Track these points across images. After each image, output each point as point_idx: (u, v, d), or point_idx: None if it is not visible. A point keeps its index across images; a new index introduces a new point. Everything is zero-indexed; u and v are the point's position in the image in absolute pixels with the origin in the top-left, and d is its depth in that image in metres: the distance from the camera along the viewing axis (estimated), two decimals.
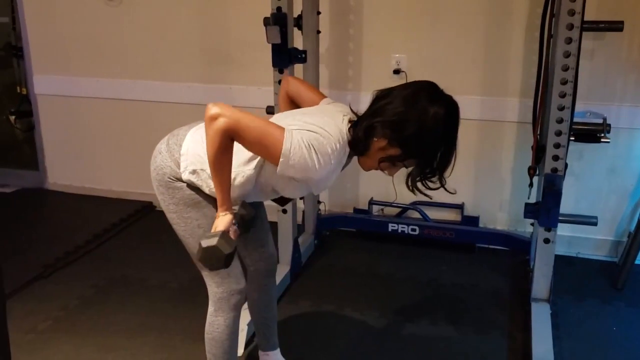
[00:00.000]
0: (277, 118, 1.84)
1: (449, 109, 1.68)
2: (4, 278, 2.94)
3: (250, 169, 1.76)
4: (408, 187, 1.76)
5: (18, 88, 4.31)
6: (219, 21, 3.66)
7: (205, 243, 1.64)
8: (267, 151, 1.66)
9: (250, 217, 1.86)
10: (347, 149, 1.76)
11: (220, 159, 1.65)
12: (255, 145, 1.66)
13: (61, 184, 4.36)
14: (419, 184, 1.75)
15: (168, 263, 3.19)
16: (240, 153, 1.72)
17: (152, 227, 3.75)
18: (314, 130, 1.68)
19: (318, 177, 1.69)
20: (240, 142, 1.65)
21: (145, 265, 3.27)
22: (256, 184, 1.80)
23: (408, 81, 1.82)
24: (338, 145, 1.70)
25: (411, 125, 1.65)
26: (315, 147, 1.65)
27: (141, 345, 2.57)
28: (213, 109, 1.61)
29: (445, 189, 1.78)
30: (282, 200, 2.00)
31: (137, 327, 2.70)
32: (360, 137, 1.72)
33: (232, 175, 1.73)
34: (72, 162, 4.29)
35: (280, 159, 1.63)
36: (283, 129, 1.65)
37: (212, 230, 1.71)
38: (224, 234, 1.67)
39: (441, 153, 1.70)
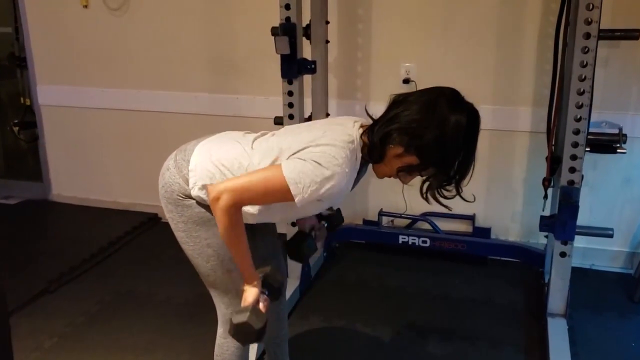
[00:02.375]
0: (281, 135, 1.79)
1: (471, 117, 1.60)
2: (8, 293, 2.90)
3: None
4: (422, 195, 1.69)
5: (22, 99, 4.25)
6: (225, 30, 3.62)
7: (236, 319, 1.61)
8: (278, 195, 1.62)
9: (279, 285, 1.83)
10: (359, 154, 1.68)
11: (234, 234, 1.63)
12: (265, 197, 1.64)
13: (66, 196, 4.32)
14: (434, 193, 1.68)
15: (175, 277, 3.13)
16: None
17: (159, 239, 3.69)
18: (314, 146, 1.62)
19: (337, 189, 1.61)
20: (251, 204, 1.66)
21: (151, 279, 3.21)
22: (272, 208, 1.75)
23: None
24: (347, 151, 1.63)
25: (430, 133, 1.57)
26: (321, 162, 1.59)
27: None
28: (213, 192, 1.59)
29: (462, 197, 1.71)
30: (299, 253, 1.96)
31: (144, 345, 2.65)
32: (376, 144, 1.64)
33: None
34: (77, 173, 4.24)
35: (294, 195, 1.58)
36: (279, 167, 1.60)
37: (242, 304, 1.68)
38: (254, 308, 1.65)
39: (459, 162, 1.62)
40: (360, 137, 1.68)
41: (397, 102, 1.66)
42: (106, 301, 3.01)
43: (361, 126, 1.72)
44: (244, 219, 1.70)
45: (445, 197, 1.69)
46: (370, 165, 1.76)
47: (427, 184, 1.67)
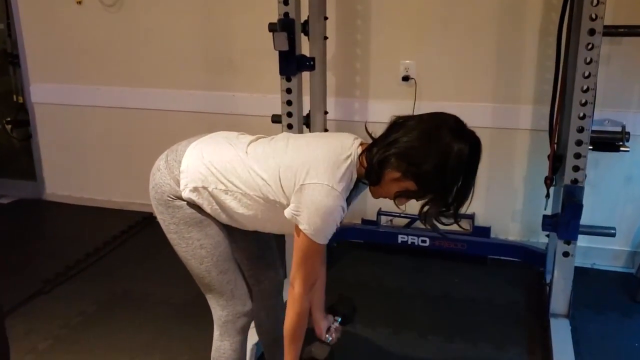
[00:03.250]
0: (279, 144, 1.76)
1: (473, 147, 1.56)
2: (2, 294, 2.86)
3: (260, 196, 1.71)
4: (422, 221, 1.67)
5: (14, 96, 4.19)
6: (221, 27, 3.57)
7: None
8: (313, 250, 1.66)
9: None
10: (354, 175, 1.66)
11: (300, 325, 1.73)
12: (311, 259, 1.69)
13: (59, 195, 4.26)
14: (431, 220, 1.65)
15: (172, 277, 3.06)
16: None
17: (154, 238, 3.59)
18: (314, 178, 1.61)
19: (340, 216, 1.64)
20: (315, 275, 1.74)
21: (148, 279, 3.17)
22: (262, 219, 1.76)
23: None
24: (343, 173, 1.63)
25: (430, 161, 1.53)
26: (325, 204, 1.60)
27: None
28: (290, 284, 1.70)
29: (458, 224, 1.69)
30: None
31: (140, 347, 2.60)
32: (374, 167, 1.62)
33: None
34: (71, 172, 4.19)
35: (315, 241, 1.63)
36: (304, 235, 1.62)
37: None
38: None
39: (457, 189, 1.59)
40: (359, 157, 1.66)
41: (397, 125, 1.63)
42: (102, 302, 2.97)
43: (361, 144, 1.70)
44: (235, 223, 1.76)
45: (443, 224, 1.68)
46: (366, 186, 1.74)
47: (426, 208, 1.64)
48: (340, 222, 1.67)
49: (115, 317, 2.84)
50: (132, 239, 3.69)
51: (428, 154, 1.53)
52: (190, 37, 3.64)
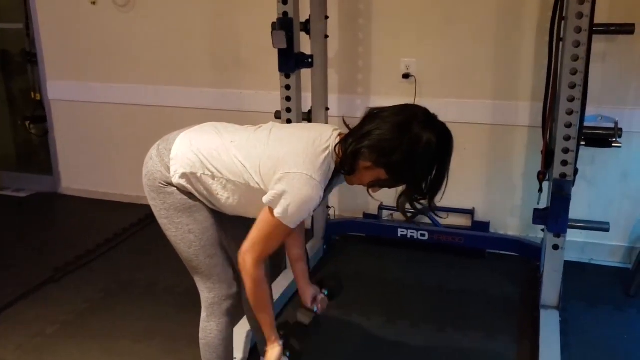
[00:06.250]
0: (263, 134, 1.83)
1: (442, 138, 1.63)
2: (14, 281, 2.99)
3: (243, 183, 1.78)
4: (398, 209, 1.74)
5: (32, 94, 4.35)
6: (229, 26, 3.67)
7: None
8: (281, 232, 1.72)
9: (301, 350, 1.93)
10: (332, 166, 1.73)
11: (260, 294, 1.78)
12: (272, 240, 1.75)
13: (74, 189, 4.41)
14: (403, 208, 1.72)
15: (176, 268, 3.10)
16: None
17: (162, 232, 3.74)
18: (294, 167, 1.67)
19: (315, 204, 1.69)
20: (272, 251, 1.76)
21: (153, 269, 3.28)
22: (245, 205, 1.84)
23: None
24: (322, 164, 1.69)
25: (400, 151, 1.60)
26: (301, 191, 1.66)
27: (147, 350, 2.58)
28: (239, 259, 1.75)
29: (434, 214, 1.75)
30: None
31: (143, 332, 2.71)
32: (348, 157, 1.69)
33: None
34: (86, 167, 4.33)
35: (286, 224, 1.69)
36: (270, 215, 1.69)
37: None
38: None
39: (432, 180, 1.66)
40: (335, 147, 1.73)
41: (372, 117, 1.69)
42: (109, 290, 3.09)
43: (339, 135, 1.77)
44: (221, 208, 1.83)
45: (418, 212, 1.76)
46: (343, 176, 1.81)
47: (400, 199, 1.71)
48: (314, 210, 1.75)
49: (121, 305, 2.95)
50: (141, 231, 3.81)
51: (398, 145, 1.60)
52: (200, 37, 3.76)
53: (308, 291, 2.08)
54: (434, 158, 1.63)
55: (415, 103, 3.21)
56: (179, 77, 3.88)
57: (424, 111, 1.67)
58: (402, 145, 1.60)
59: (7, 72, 4.61)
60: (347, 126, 1.78)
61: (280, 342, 1.85)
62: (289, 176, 1.67)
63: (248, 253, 1.73)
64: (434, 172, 1.65)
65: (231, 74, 3.75)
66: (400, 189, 1.72)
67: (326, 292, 2.11)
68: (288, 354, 1.84)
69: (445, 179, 1.68)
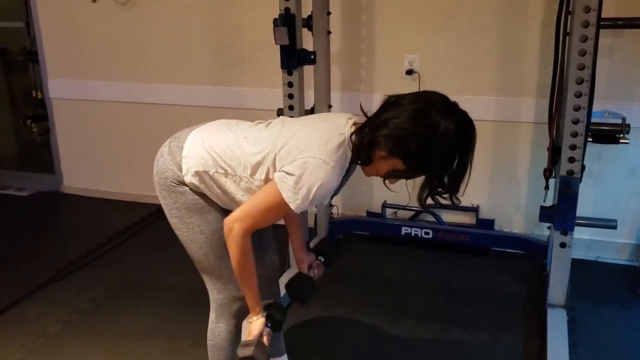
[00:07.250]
0: (275, 127, 1.79)
1: (462, 126, 1.57)
2: (17, 281, 2.98)
3: (258, 179, 1.74)
4: (419, 201, 1.69)
5: (34, 92, 4.33)
6: (231, 23, 3.65)
7: (242, 353, 1.67)
8: (281, 211, 1.67)
9: (282, 319, 1.86)
10: (349, 154, 1.68)
11: (245, 264, 1.70)
12: (270, 216, 1.70)
13: (76, 187, 4.39)
14: (429, 199, 1.68)
15: (179, 266, 3.12)
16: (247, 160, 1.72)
17: (165, 230, 3.62)
18: (307, 151, 1.63)
19: (326, 191, 1.65)
20: (262, 226, 1.70)
21: (156, 268, 3.26)
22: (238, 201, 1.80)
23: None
24: (339, 152, 1.65)
25: (416, 140, 1.55)
26: (313, 171, 1.61)
27: (150, 350, 2.56)
28: (225, 225, 1.67)
29: (454, 204, 1.70)
30: (299, 294, 1.99)
31: (146, 331, 2.69)
32: (364, 147, 1.64)
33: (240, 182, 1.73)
34: (87, 165, 4.31)
35: (292, 207, 1.63)
36: (276, 189, 1.64)
37: (248, 337, 1.74)
38: (259, 342, 1.71)
39: (453, 171, 1.60)
40: (350, 136, 1.68)
41: (390, 104, 1.64)
42: (111, 289, 3.06)
43: (354, 124, 1.71)
44: (235, 207, 1.76)
45: (442, 205, 1.71)
46: (358, 165, 1.77)
47: (420, 190, 1.66)
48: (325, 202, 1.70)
49: (123, 304, 2.93)
50: (143, 230, 3.79)
51: (414, 134, 1.55)
52: (201, 34, 3.73)
53: (304, 259, 2.05)
54: (452, 147, 1.56)
55: None
56: (180, 74, 3.85)
57: (444, 98, 1.60)
58: (418, 134, 1.54)
59: (8, 71, 4.58)
60: (365, 114, 1.72)
61: (264, 314, 1.78)
62: (304, 160, 1.62)
63: (238, 222, 1.66)
64: (455, 163, 1.59)
65: (232, 71, 3.73)
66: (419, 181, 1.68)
67: (322, 260, 2.08)
68: (269, 324, 1.78)
69: (468, 171, 1.62)
